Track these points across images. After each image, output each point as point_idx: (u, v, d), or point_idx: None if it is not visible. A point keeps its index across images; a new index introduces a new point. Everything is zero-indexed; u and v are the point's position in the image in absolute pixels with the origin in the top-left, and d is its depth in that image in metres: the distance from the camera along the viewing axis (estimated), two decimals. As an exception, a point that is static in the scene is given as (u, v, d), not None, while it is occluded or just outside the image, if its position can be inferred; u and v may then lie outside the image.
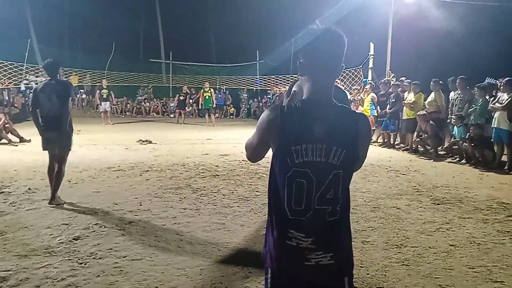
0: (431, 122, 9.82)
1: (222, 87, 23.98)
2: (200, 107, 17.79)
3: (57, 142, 5.28)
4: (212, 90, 17.53)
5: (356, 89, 13.43)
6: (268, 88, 22.26)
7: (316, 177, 1.61)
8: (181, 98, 19.45)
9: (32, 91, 6.57)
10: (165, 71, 28.28)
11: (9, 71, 15.90)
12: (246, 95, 24.76)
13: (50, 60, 5.42)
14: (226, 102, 23.72)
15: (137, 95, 24.61)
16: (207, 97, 16.79)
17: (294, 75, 19.07)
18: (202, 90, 17.37)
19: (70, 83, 5.62)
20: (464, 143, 8.82)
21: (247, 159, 1.94)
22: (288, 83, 19.62)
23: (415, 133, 10.27)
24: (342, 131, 1.62)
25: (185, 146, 10.82)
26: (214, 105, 17.92)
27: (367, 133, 1.73)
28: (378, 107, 11.78)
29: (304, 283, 1.67)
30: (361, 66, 13.89)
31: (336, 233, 1.67)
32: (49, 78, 5.37)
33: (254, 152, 1.83)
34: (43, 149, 5.40)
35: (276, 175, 1.67)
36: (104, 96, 16.25)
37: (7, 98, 16.68)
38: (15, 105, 18.70)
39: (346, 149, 1.61)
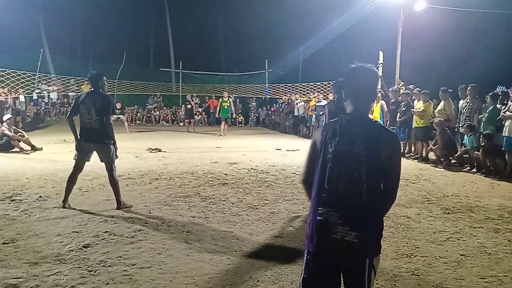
0: (446, 129, 9.67)
1: (231, 96, 24.12)
2: (218, 115, 17.96)
3: (100, 155, 5.44)
4: (231, 99, 17.61)
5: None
6: (277, 97, 22.32)
7: (344, 161, 2.05)
8: (188, 106, 19.54)
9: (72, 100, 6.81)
10: (174, 80, 28.50)
11: (22, 80, 16.13)
12: (255, 104, 24.83)
13: (94, 71, 5.63)
14: (237, 110, 23.82)
15: (147, 104, 24.82)
16: (225, 106, 16.85)
17: (303, 84, 19.12)
18: (220, 100, 17.46)
19: (111, 98, 5.70)
20: (476, 152, 8.74)
21: (301, 182, 2.35)
22: (296, 91, 19.65)
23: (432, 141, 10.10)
24: (368, 132, 2.10)
25: (195, 154, 10.87)
26: (234, 115, 18.09)
27: (391, 143, 2.11)
28: (388, 115, 11.73)
29: (332, 259, 2.04)
30: (370, 75, 13.87)
31: (362, 215, 2.01)
32: (92, 88, 5.55)
33: (308, 162, 2.26)
34: (75, 159, 5.53)
35: (319, 163, 2.13)
36: (117, 113, 16.47)
37: (19, 107, 16.88)
38: (28, 113, 18.95)
39: (367, 142, 2.05)
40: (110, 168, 5.50)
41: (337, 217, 1.98)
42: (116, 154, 5.57)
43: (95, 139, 5.40)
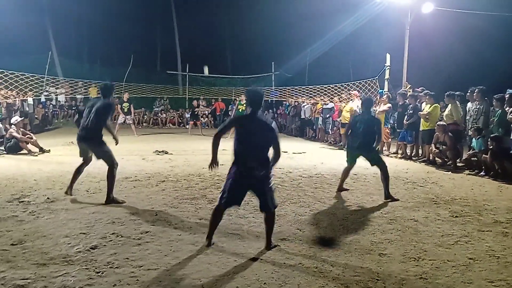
0: (449, 133, 9.67)
1: (237, 98, 24.15)
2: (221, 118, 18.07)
3: (95, 153, 5.83)
4: None
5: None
6: (283, 99, 22.28)
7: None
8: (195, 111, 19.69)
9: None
10: (181, 83, 28.60)
11: (30, 82, 16.23)
12: (261, 106, 24.79)
13: (108, 83, 6.10)
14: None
15: (154, 107, 24.92)
16: (240, 110, 16.82)
17: (310, 86, 19.09)
18: (237, 102, 17.52)
19: (113, 104, 6.15)
20: (484, 155, 8.67)
21: None
22: (303, 94, 19.62)
23: (433, 144, 10.13)
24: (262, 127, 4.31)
25: (201, 156, 10.86)
26: None
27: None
28: (392, 117, 11.78)
29: None
30: (377, 77, 13.82)
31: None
32: (99, 95, 6.06)
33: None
34: (80, 155, 6.02)
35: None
36: (125, 110, 16.19)
37: (27, 109, 16.98)
38: (36, 116, 19.08)
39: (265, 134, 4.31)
40: (109, 164, 5.77)
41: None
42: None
43: (84, 138, 5.76)
